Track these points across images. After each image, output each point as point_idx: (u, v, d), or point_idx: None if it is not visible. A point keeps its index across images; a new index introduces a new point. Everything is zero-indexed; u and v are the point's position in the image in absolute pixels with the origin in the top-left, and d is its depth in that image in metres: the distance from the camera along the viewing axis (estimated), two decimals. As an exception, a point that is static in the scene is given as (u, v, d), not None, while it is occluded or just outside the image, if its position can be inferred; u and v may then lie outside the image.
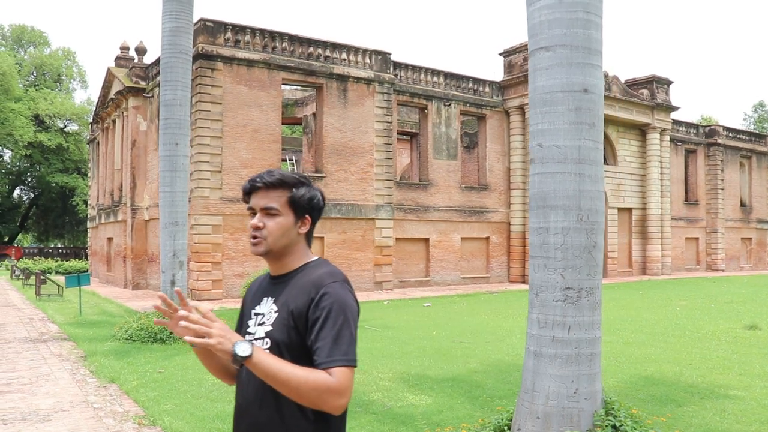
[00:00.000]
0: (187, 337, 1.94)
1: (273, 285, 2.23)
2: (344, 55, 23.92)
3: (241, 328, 2.25)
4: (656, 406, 7.47)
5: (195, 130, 20.82)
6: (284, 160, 37.29)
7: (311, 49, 23.12)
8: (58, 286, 22.12)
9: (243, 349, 1.90)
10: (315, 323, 2.04)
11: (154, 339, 12.23)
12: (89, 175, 39.39)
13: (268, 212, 2.18)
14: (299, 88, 28.20)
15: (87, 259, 42.37)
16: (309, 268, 2.20)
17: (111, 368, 9.85)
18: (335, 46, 23.72)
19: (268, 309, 2.17)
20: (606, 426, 4.43)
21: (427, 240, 26.59)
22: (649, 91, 34.56)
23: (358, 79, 23.97)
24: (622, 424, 4.42)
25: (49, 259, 50.28)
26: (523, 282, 28.59)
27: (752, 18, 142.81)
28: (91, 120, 41.21)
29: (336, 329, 2.02)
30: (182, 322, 1.97)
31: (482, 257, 28.69)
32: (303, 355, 2.04)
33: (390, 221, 24.82)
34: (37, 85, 58.35)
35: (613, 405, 4.66)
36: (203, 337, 1.91)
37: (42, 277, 22.36)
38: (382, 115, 24.60)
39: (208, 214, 20.81)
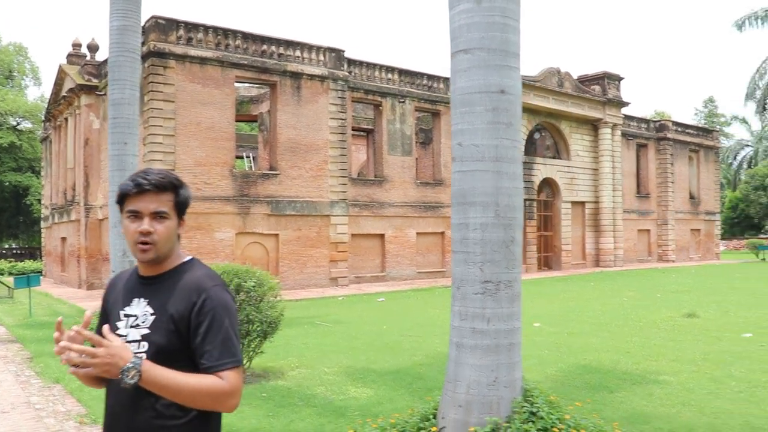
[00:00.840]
0: (70, 369, 1.92)
1: (144, 285, 2.16)
2: (298, 53, 23.94)
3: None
4: (589, 393, 7.77)
5: (147, 128, 20.64)
6: (240, 157, 37.17)
7: (265, 47, 23.09)
8: (8, 287, 21.72)
9: (132, 375, 1.91)
10: (200, 327, 2.06)
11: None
12: (42, 173, 38.63)
13: (157, 216, 2.10)
14: (254, 85, 28.09)
15: (42, 260, 41.56)
16: (184, 269, 2.17)
17: (57, 369, 9.78)
18: (289, 44, 23.72)
19: (141, 311, 2.11)
20: (524, 412, 4.64)
21: (382, 236, 26.79)
22: (601, 87, 35.32)
23: (312, 77, 24.02)
24: (538, 410, 4.65)
25: (2, 260, 49.13)
26: (479, 276, 28.97)
27: (705, 16, 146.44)
28: (43, 118, 40.42)
29: (222, 333, 2.06)
30: (63, 355, 1.92)
31: (438, 252, 29.02)
32: (183, 359, 2.06)
33: (345, 217, 24.95)
34: (-13, 82, 56.88)
35: (532, 392, 4.87)
36: (86, 367, 1.90)
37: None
38: (336, 112, 24.70)
39: (161, 212, 20.62)
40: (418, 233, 28.08)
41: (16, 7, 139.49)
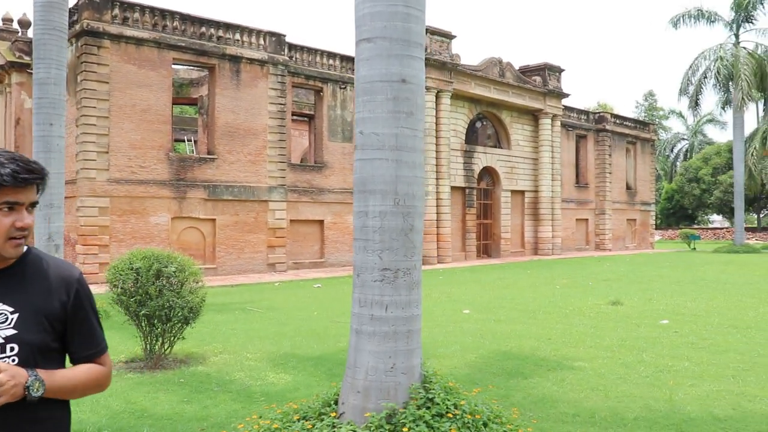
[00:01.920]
0: None
1: None
2: (237, 36, 23.58)
3: None
4: (504, 379, 7.96)
5: (80, 109, 20.07)
6: (182, 140, 36.49)
7: (203, 29, 22.66)
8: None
9: (37, 388, 1.86)
10: (78, 319, 2.05)
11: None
12: (-30, 154, 37.11)
13: (30, 207, 1.97)
14: (193, 68, 27.55)
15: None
16: (31, 259, 2.05)
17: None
18: (228, 27, 23.34)
19: None
20: (420, 398, 4.73)
21: (321, 222, 26.75)
22: (542, 78, 35.88)
23: (251, 61, 23.71)
24: (434, 396, 4.74)
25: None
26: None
27: (647, 10, 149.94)
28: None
29: (96, 320, 2.12)
30: None
31: (379, 239, 29.10)
32: (55, 356, 2.02)
33: (283, 203, 24.80)
34: None
35: (431, 379, 4.96)
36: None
37: None
38: (276, 97, 24.46)
39: (94, 195, 20.15)
40: (359, 220, 28.08)
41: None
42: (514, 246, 35.29)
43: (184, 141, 37.59)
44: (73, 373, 2.02)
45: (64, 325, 2.04)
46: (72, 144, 20.71)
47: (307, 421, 4.93)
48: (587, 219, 41.96)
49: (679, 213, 68.32)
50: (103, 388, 2.13)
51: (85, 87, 19.95)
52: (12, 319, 1.94)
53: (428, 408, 4.65)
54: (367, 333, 4.88)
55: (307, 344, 10.32)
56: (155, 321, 8.52)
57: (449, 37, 29.94)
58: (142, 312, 8.37)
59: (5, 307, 1.95)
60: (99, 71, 20.14)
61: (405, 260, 4.87)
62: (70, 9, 20.70)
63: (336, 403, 5.06)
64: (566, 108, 39.85)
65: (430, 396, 4.74)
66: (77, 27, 20.32)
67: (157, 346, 8.78)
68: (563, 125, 39.12)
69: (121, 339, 10.29)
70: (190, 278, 8.88)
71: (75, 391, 2.02)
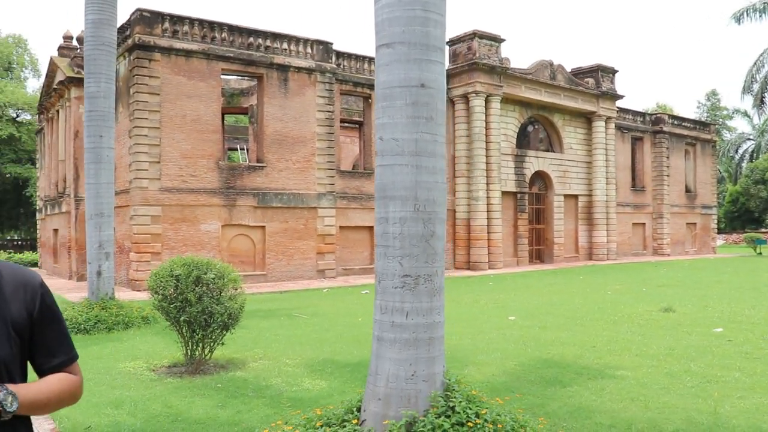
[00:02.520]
0: None
1: None
2: (285, 45, 23.90)
3: None
4: (541, 387, 7.78)
5: (133, 120, 20.68)
6: (235, 149, 37.19)
7: (251, 39, 23.06)
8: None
9: (11, 402, 1.74)
10: (44, 326, 1.95)
11: (78, 329, 12.22)
12: (37, 165, 38.73)
13: None
14: (243, 77, 28.06)
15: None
16: None
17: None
18: (276, 36, 23.68)
19: None
20: (440, 406, 4.66)
21: (371, 228, 26.77)
22: (595, 80, 35.17)
23: (299, 69, 23.98)
24: (455, 405, 4.66)
25: (2, 251, 49.32)
26: (468, 268, 29.02)
27: (708, 6, 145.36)
28: (37, 110, 40.52)
29: (63, 327, 2.01)
30: None
31: (429, 245, 28.98)
32: (19, 367, 1.92)
33: (332, 210, 24.97)
34: (-14, 74, 56.95)
35: (453, 387, 4.89)
36: None
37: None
38: (324, 104, 24.68)
39: (147, 204, 20.71)
40: (408, 226, 28.03)
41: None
42: (567, 251, 34.63)
43: (237, 149, 38.37)
44: (45, 384, 1.89)
45: (30, 335, 1.92)
46: (125, 155, 21.37)
47: (329, 427, 4.92)
48: (644, 223, 40.87)
49: (744, 216, 65.79)
50: (76, 399, 1.99)
51: (137, 99, 20.54)
52: None
53: (448, 417, 4.58)
54: (388, 340, 4.84)
55: (347, 350, 10.33)
56: (195, 327, 8.67)
57: (498, 40, 29.67)
58: (182, 318, 8.54)
59: None
60: (150, 83, 20.71)
61: (426, 266, 4.82)
62: (122, 24, 21.46)
63: (359, 410, 5.03)
64: (621, 110, 38.95)
65: (451, 404, 4.67)
66: (129, 41, 20.97)
67: (197, 352, 8.93)
68: (618, 127, 38.24)
69: (165, 344, 10.52)
70: (229, 285, 8.99)
71: (49, 405, 1.89)
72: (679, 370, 8.65)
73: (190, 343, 8.90)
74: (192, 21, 21.78)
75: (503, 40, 29.83)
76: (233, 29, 22.70)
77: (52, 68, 28.88)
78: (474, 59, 28.69)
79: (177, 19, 21.48)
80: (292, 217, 23.89)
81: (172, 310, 8.58)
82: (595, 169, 35.33)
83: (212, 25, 22.22)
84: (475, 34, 28.98)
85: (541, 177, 33.78)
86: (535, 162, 32.88)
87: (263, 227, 23.31)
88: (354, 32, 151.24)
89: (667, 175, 41.43)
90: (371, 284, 22.75)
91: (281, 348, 10.63)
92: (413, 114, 4.79)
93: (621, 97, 36.42)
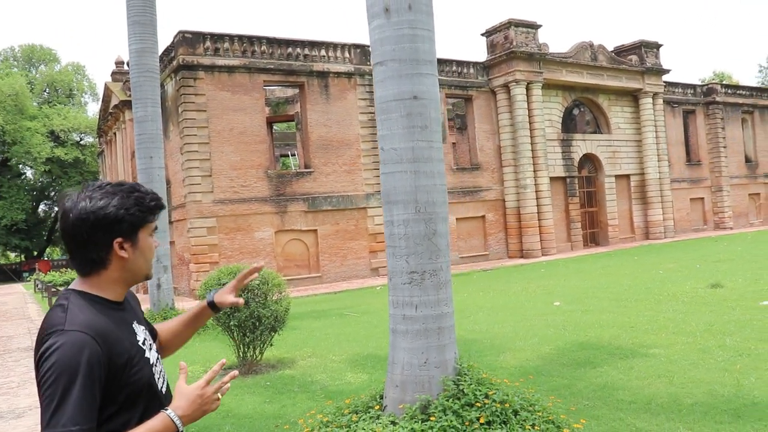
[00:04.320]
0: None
1: (124, 312, 1.96)
2: (323, 52, 24.55)
3: (149, 367, 1.94)
4: (571, 369, 8.07)
5: (183, 138, 21.69)
6: (287, 155, 38.17)
7: (290, 49, 23.79)
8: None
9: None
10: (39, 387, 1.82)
11: (143, 340, 13.08)
12: (101, 186, 40.56)
13: None
14: (285, 87, 28.88)
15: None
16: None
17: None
18: (314, 44, 24.35)
19: (143, 334, 1.99)
20: (451, 389, 5.08)
21: (422, 224, 27.18)
22: (638, 56, 34.62)
23: (338, 74, 24.59)
24: (464, 387, 5.09)
25: (68, 269, 51.83)
26: (522, 257, 29.12)
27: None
28: (96, 133, 42.52)
29: (49, 392, 1.76)
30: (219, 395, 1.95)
31: (479, 236, 29.26)
32: None
33: (382, 209, 25.45)
34: (50, 102, 59.90)
35: (464, 371, 5.30)
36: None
37: (53, 289, 23.45)
38: (366, 106, 25.22)
39: (202, 217, 21.69)
40: (457, 219, 28.38)
41: (73, 26, 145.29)
42: (623, 232, 34.24)
43: (289, 155, 39.44)
44: None
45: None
46: (179, 171, 22.41)
47: (356, 414, 5.41)
48: (703, 198, 39.95)
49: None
50: None
51: (186, 117, 21.53)
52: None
53: (458, 399, 4.99)
54: (401, 331, 5.29)
55: (390, 345, 10.79)
56: (245, 330, 9.31)
57: (534, 27, 29.61)
58: (232, 322, 9.19)
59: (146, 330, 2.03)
60: (197, 101, 21.68)
61: (430, 263, 5.25)
62: (167, 47, 22.50)
63: (381, 397, 5.51)
64: (669, 84, 38.18)
65: (461, 387, 5.09)
66: (174, 63, 21.99)
67: (248, 353, 9.57)
68: (667, 102, 37.51)
69: (221, 348, 11.23)
70: (274, 289, 9.60)
71: None
72: (713, 345, 8.76)
73: (241, 346, 9.55)
74: (232, 37, 22.65)
75: (540, 26, 29.75)
76: (272, 41, 23.47)
77: (107, 93, 30.38)
78: (511, 48, 28.74)
79: (217, 37, 22.39)
80: (342, 218, 24.53)
81: (222, 316, 9.23)
82: (645, 147, 34.79)
83: (251, 40, 23.04)
84: (510, 23, 29.01)
85: (590, 159, 33.50)
86: (583, 145, 32.64)
87: (315, 230, 24.03)
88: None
89: (724, 147, 40.37)
90: (423, 279, 23.17)
91: (329, 346, 11.19)
92: (408, 124, 5.22)
93: (667, 71, 35.72)
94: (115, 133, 30.32)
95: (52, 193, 63.05)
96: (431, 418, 4.82)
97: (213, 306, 2.34)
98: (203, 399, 1.87)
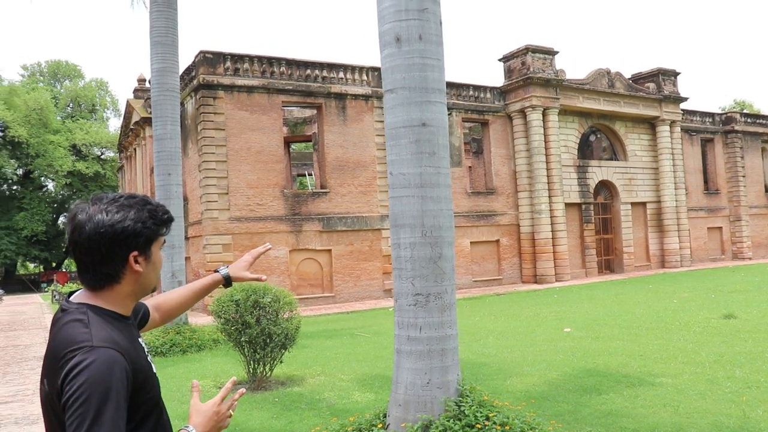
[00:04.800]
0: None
1: (132, 326, 1.94)
2: (341, 74, 24.88)
3: (157, 381, 1.94)
4: (577, 395, 8.11)
5: (202, 155, 22.02)
6: (304, 175, 38.50)
7: (309, 71, 24.15)
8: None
9: None
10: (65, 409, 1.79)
11: (156, 352, 13.26)
12: (120, 201, 41.17)
13: None
14: (302, 108, 29.23)
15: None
16: None
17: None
18: (332, 66, 24.70)
19: (146, 346, 1.98)
20: (453, 410, 5.18)
21: (436, 246, 27.25)
22: (656, 84, 34.67)
23: (356, 96, 24.89)
24: (465, 409, 5.18)
25: (90, 283, 52.28)
26: (535, 282, 29.05)
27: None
28: (117, 149, 43.27)
29: (75, 413, 1.72)
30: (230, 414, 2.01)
31: (493, 260, 29.25)
32: None
33: (396, 230, 25.59)
34: (74, 116, 60.96)
35: (466, 393, 5.40)
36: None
37: (69, 302, 23.67)
38: (382, 129, 25.40)
39: (218, 234, 21.95)
40: (471, 242, 28.43)
41: (97, 43, 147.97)
42: (638, 260, 34.06)
43: (305, 175, 39.81)
44: None
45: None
46: (196, 188, 22.72)
47: (359, 431, 5.51)
48: (721, 227, 39.65)
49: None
50: None
51: (205, 135, 21.89)
52: None
53: (459, 419, 5.08)
54: (406, 352, 5.40)
55: (398, 366, 10.86)
56: (255, 347, 9.44)
57: (551, 53, 29.81)
58: (243, 339, 9.33)
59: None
60: (216, 120, 22.04)
61: (435, 285, 5.37)
62: (188, 66, 22.93)
63: (385, 416, 5.61)
64: (687, 112, 38.16)
65: (462, 409, 5.18)
66: (195, 82, 22.41)
67: (258, 370, 9.69)
68: (685, 130, 37.47)
69: (232, 364, 11.37)
70: (285, 308, 9.74)
71: None
72: (722, 376, 8.76)
73: (251, 362, 9.67)
74: (252, 58, 23.06)
75: (557, 53, 29.95)
76: (291, 63, 23.85)
77: (129, 109, 30.94)
78: (528, 74, 28.93)
79: (237, 58, 22.80)
80: (357, 239, 24.68)
81: (234, 332, 9.39)
82: (662, 174, 34.71)
83: (271, 61, 23.43)
84: (528, 49, 29.23)
85: (605, 186, 33.47)
86: (599, 171, 32.63)
87: (329, 250, 24.19)
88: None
89: (743, 176, 40.14)
90: (435, 301, 23.20)
91: (339, 365, 11.28)
92: (417, 150, 5.37)
93: (685, 99, 35.72)
94: (135, 149, 30.82)
95: (72, 206, 63.98)
96: (432, 438, 4.91)
97: (228, 281, 2.41)
98: (219, 416, 1.93)
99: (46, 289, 54.76)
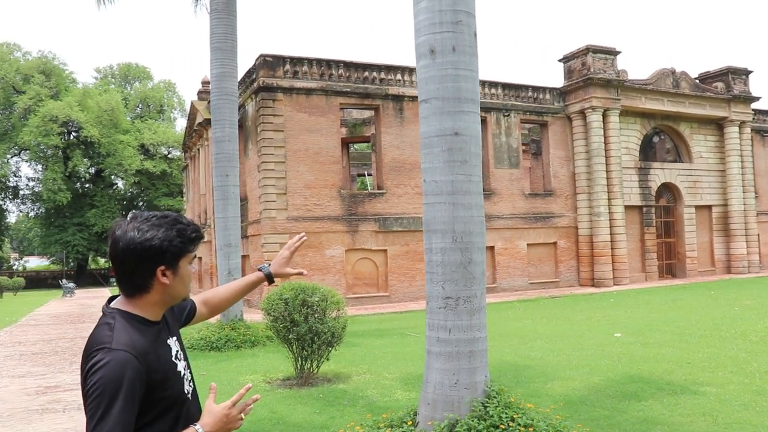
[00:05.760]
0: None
1: (160, 329, 2.15)
2: (398, 76, 25.14)
3: (181, 379, 2.15)
4: (615, 401, 8.11)
5: (261, 156, 22.67)
6: (363, 175, 38.97)
7: (366, 73, 24.51)
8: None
9: None
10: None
11: (211, 347, 13.81)
12: (184, 199, 42.69)
13: None
14: (360, 109, 29.62)
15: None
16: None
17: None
18: (389, 68, 24.98)
19: (176, 346, 2.21)
20: (478, 410, 5.36)
21: (492, 248, 27.26)
22: (725, 83, 33.59)
23: (413, 98, 25.10)
24: (491, 409, 5.35)
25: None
26: (593, 285, 28.65)
27: None
28: (181, 149, 44.75)
29: (91, 406, 1.97)
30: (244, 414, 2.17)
31: (550, 262, 29.00)
32: None
33: (450, 231, 25.69)
34: (142, 117, 63.27)
35: (493, 395, 5.56)
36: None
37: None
38: (438, 130, 25.57)
39: (275, 233, 22.55)
40: (528, 244, 28.27)
41: (166, 45, 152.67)
42: (702, 265, 33.11)
43: (365, 175, 40.32)
44: None
45: None
46: (255, 188, 23.39)
47: (390, 428, 5.76)
48: (794, 232, 38.05)
49: None
50: None
51: (264, 137, 22.52)
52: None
53: (484, 419, 5.26)
54: (435, 353, 5.61)
55: (443, 366, 11.04)
56: (303, 344, 9.80)
57: (613, 53, 29.31)
58: (291, 336, 9.70)
59: (178, 344, 2.23)
60: (275, 121, 22.65)
61: (465, 289, 5.55)
62: (249, 69, 23.62)
63: (416, 414, 5.82)
64: (760, 112, 36.83)
65: (488, 409, 5.35)
66: (255, 85, 23.08)
67: (306, 366, 10.05)
68: (757, 131, 36.18)
69: (282, 360, 11.77)
70: (332, 306, 10.06)
71: None
72: (770, 387, 8.61)
73: (299, 359, 10.03)
74: (310, 61, 23.58)
75: (619, 53, 29.42)
76: (349, 65, 24.26)
77: (193, 111, 32.00)
78: (588, 74, 28.54)
79: (296, 61, 23.35)
80: (412, 240, 24.90)
81: (282, 330, 9.77)
82: (729, 177, 33.63)
83: (329, 63, 23.90)
84: (588, 49, 28.83)
85: (668, 189, 32.67)
86: (661, 174, 31.89)
87: (385, 251, 24.50)
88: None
89: (820, 179, 38.40)
90: (490, 303, 23.20)
91: (385, 364, 11.54)
92: (449, 159, 5.57)
93: (756, 99, 34.48)
94: (198, 149, 31.86)
95: (141, 204, 66.30)
96: (456, 437, 5.11)
97: (270, 278, 2.68)
98: (228, 418, 2.09)
99: (114, 284, 57.08)
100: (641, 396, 8.33)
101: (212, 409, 2.11)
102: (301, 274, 2.71)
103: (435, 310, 5.62)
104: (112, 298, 2.15)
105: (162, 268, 2.04)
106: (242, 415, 2.13)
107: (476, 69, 5.78)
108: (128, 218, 2.11)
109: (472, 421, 5.22)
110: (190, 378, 2.23)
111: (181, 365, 2.16)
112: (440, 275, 5.58)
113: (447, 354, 5.53)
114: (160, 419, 2.02)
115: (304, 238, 2.78)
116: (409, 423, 5.68)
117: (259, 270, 2.68)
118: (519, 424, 5.24)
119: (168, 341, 2.14)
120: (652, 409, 7.64)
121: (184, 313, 2.43)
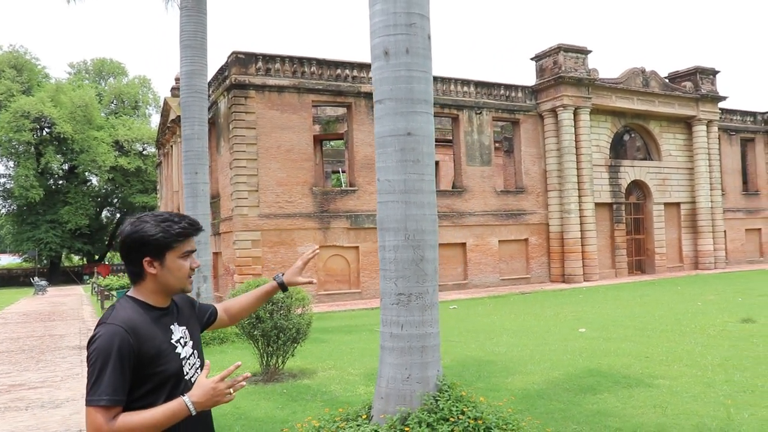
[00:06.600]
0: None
1: (167, 316, 2.40)
2: (371, 74, 25.16)
3: (179, 360, 2.35)
4: (572, 395, 8.32)
5: (233, 153, 22.64)
6: (337, 171, 39.01)
7: (339, 71, 24.57)
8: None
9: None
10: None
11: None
12: (158, 196, 42.39)
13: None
14: (332, 107, 29.66)
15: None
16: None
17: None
18: (362, 66, 25.06)
19: (181, 333, 2.43)
20: (430, 404, 5.50)
21: (464, 244, 27.50)
22: (693, 83, 34.19)
23: (385, 95, 25.19)
24: (441, 403, 5.50)
25: (124, 274, 53.69)
26: (563, 281, 29.04)
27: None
28: (155, 146, 44.43)
29: (91, 371, 2.24)
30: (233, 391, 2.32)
31: (521, 259, 29.32)
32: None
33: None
34: (117, 113, 62.57)
35: (445, 388, 5.71)
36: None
37: (105, 293, 24.65)
38: (411, 127, 25.72)
39: (247, 230, 22.55)
40: (500, 241, 28.55)
41: (142, 40, 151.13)
42: (671, 261, 33.71)
43: (339, 172, 40.39)
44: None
45: None
46: (227, 185, 23.36)
47: (346, 422, 5.88)
48: (760, 229, 38.91)
49: None
50: None
51: (236, 134, 22.49)
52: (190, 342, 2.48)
53: (434, 413, 5.41)
54: (388, 348, 5.75)
55: (408, 361, 11.19)
56: (269, 340, 9.89)
57: (584, 52, 29.68)
58: (256, 332, 9.78)
59: (186, 331, 2.47)
60: (247, 119, 22.63)
61: (417, 286, 5.69)
62: (221, 66, 23.57)
63: (370, 408, 5.96)
64: (726, 111, 37.56)
65: (439, 403, 5.50)
66: (227, 82, 23.04)
67: (271, 362, 10.14)
68: (724, 130, 36.88)
69: (250, 357, 11.83)
70: (297, 303, 10.16)
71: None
72: (720, 379, 8.85)
73: (264, 355, 10.12)
74: (283, 58, 23.58)
75: (590, 52, 29.80)
76: (321, 63, 24.31)
77: (166, 108, 31.82)
78: (560, 73, 28.88)
79: (269, 58, 23.34)
80: (383, 236, 24.98)
81: (247, 326, 9.85)
82: (697, 175, 34.25)
83: (302, 61, 23.92)
84: (560, 48, 29.17)
85: (638, 186, 33.18)
86: (631, 171, 32.38)
87: (357, 247, 24.61)
88: (439, 55, 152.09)
89: (784, 177, 39.26)
90: (462, 299, 23.44)
91: (351, 359, 11.67)
92: (402, 158, 5.70)
93: (723, 98, 35.14)
94: (171, 146, 31.70)
95: (115, 200, 65.69)
96: (406, 429, 5.25)
97: (283, 287, 2.96)
98: (215, 392, 2.24)
99: (87, 281, 56.41)
100: (597, 389, 8.55)
101: (201, 382, 2.27)
102: (311, 282, 3.00)
103: (388, 306, 5.76)
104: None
105: (147, 258, 2.32)
106: (231, 390, 2.29)
107: (430, 71, 5.91)
108: (134, 217, 2.40)
109: (423, 414, 5.36)
110: (198, 366, 2.46)
111: (183, 350, 2.38)
112: (393, 272, 5.71)
113: (399, 349, 5.66)
114: (153, 394, 2.24)
115: (317, 250, 3.06)
116: (364, 417, 5.81)
117: (274, 279, 2.97)
118: (469, 417, 5.39)
119: (172, 326, 2.38)
120: (606, 402, 7.86)
121: (205, 316, 2.74)
